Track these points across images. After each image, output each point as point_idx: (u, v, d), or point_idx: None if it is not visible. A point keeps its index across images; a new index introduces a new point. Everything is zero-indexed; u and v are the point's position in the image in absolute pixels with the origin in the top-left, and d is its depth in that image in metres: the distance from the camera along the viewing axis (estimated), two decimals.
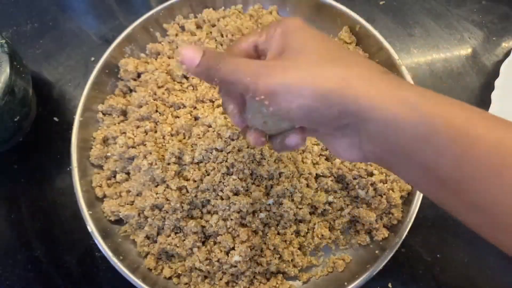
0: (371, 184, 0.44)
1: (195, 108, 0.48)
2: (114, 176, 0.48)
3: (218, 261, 0.42)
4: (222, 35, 0.52)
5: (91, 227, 0.43)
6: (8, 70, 0.43)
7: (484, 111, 0.23)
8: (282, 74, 0.24)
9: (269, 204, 0.43)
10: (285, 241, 0.44)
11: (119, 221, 0.46)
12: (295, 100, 0.23)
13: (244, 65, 0.25)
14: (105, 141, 0.49)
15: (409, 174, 0.25)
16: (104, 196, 0.47)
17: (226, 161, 0.42)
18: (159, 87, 0.49)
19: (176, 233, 0.43)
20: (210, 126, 0.45)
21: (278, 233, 0.44)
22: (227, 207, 0.42)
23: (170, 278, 0.44)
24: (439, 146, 0.22)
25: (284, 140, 0.29)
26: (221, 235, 0.42)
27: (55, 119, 0.54)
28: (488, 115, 0.22)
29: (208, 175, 0.43)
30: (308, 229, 0.45)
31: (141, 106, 0.48)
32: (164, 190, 0.43)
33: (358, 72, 0.24)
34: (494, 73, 0.54)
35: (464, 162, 0.21)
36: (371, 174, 0.45)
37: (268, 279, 0.44)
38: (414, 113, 0.22)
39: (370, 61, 0.26)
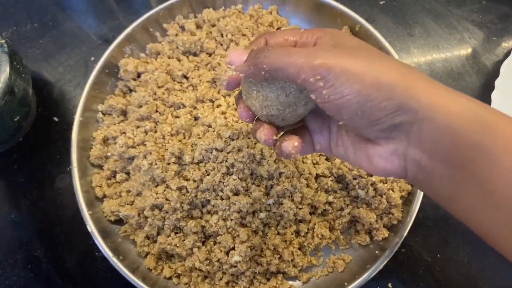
0: (371, 184, 0.44)
1: (195, 108, 0.48)
2: (114, 176, 0.48)
3: (218, 261, 0.42)
4: (222, 35, 0.52)
5: (91, 227, 0.43)
6: (8, 70, 0.43)
7: None
8: (343, 58, 0.22)
9: (269, 204, 0.43)
10: (285, 241, 0.44)
11: (119, 221, 0.46)
12: (354, 85, 0.22)
13: (295, 50, 0.24)
14: (105, 141, 0.49)
15: (452, 188, 0.23)
16: (104, 196, 0.47)
17: (226, 161, 0.42)
18: (159, 87, 0.49)
19: (176, 233, 0.43)
20: (210, 126, 0.45)
21: (278, 233, 0.44)
22: (227, 207, 0.42)
23: (170, 278, 0.44)
24: (496, 156, 0.21)
25: (281, 143, 0.28)
26: (221, 235, 0.42)
27: (55, 119, 0.54)
28: None
29: (208, 175, 0.43)
30: (308, 229, 0.45)
31: (141, 106, 0.48)
32: (164, 190, 0.43)
33: (417, 73, 0.23)
34: (494, 73, 0.54)
35: None
36: (371, 174, 0.45)
37: (268, 279, 0.44)
38: (475, 118, 0.21)
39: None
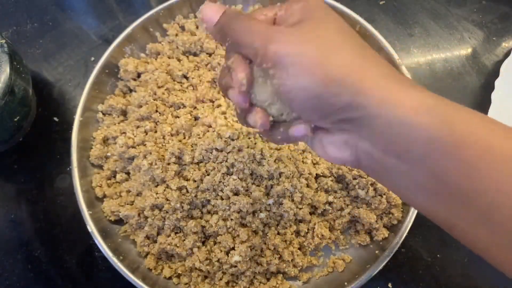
0: (371, 184, 0.44)
1: (195, 108, 0.48)
2: (114, 176, 0.48)
3: (218, 261, 0.42)
4: None
5: (91, 227, 0.43)
6: (8, 70, 0.43)
7: (493, 119, 0.21)
8: (296, 44, 0.22)
9: (269, 204, 0.43)
10: (285, 241, 0.44)
11: (119, 221, 0.46)
12: (304, 78, 0.22)
13: (257, 28, 0.23)
14: (105, 141, 0.49)
15: (408, 182, 0.23)
16: (104, 196, 0.47)
17: (226, 161, 0.42)
18: (159, 87, 0.49)
19: (176, 233, 0.43)
20: (210, 126, 0.45)
21: (278, 233, 0.44)
22: (227, 207, 0.42)
23: (170, 278, 0.44)
24: (453, 151, 0.20)
25: (288, 129, 0.26)
26: (221, 235, 0.42)
27: (55, 119, 0.54)
28: (502, 124, 0.21)
29: (208, 175, 0.43)
30: (308, 229, 0.45)
31: (141, 106, 0.48)
32: (164, 190, 0.43)
33: (375, 64, 0.22)
34: (494, 73, 0.54)
35: (478, 169, 0.20)
36: None
37: (268, 279, 0.44)
38: (432, 114, 0.21)
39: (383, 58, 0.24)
